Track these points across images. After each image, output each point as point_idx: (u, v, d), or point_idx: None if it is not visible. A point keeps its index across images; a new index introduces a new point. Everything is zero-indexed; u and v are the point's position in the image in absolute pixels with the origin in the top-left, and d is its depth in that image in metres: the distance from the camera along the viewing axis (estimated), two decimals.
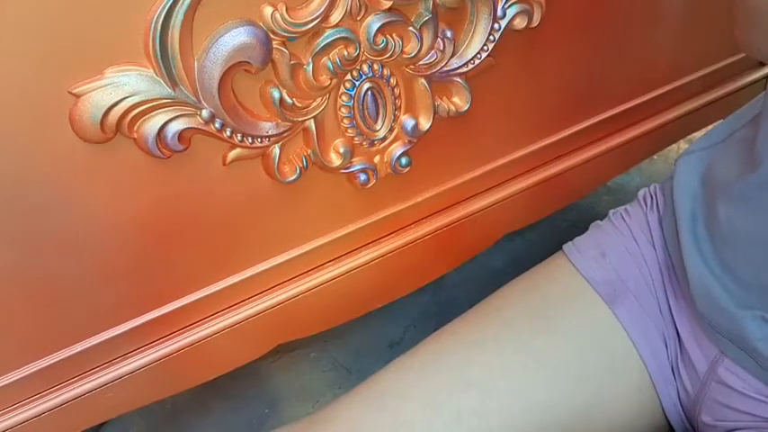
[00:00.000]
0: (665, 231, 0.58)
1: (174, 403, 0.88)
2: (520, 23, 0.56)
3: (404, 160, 0.58)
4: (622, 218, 0.62)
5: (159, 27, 0.41)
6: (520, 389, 0.53)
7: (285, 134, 0.50)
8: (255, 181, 0.52)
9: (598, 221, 0.63)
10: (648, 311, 0.56)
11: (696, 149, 0.57)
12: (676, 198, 0.56)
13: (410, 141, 0.57)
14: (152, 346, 0.56)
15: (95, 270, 0.50)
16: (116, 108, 0.42)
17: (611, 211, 0.63)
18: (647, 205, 0.61)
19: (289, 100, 0.49)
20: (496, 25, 0.55)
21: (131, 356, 0.55)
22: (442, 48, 0.53)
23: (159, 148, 0.45)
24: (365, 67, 0.51)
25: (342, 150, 0.54)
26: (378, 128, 0.55)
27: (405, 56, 0.52)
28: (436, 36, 0.53)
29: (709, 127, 0.62)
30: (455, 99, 0.57)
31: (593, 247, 0.60)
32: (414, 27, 0.51)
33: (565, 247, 0.62)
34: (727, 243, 0.51)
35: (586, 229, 0.63)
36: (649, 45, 0.71)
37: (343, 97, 0.52)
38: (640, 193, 0.63)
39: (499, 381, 0.53)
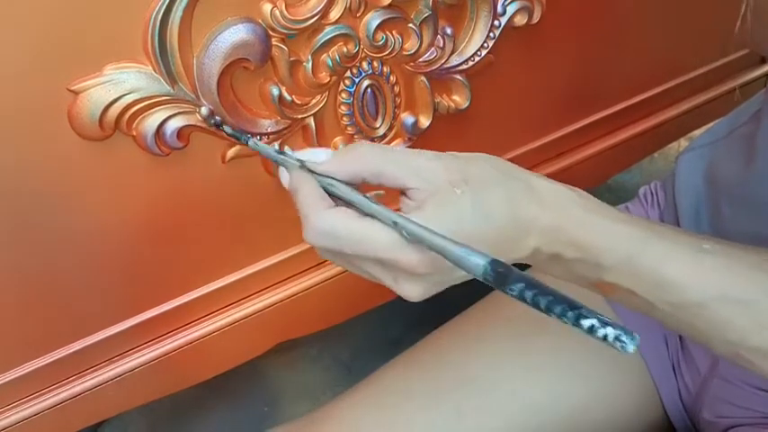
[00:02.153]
0: None
1: (174, 402, 0.88)
2: (520, 20, 0.56)
3: None
4: None
5: (158, 24, 0.41)
6: (520, 387, 0.53)
7: (284, 131, 0.50)
8: (255, 179, 0.52)
9: None
10: None
11: (697, 147, 0.57)
12: (678, 195, 0.56)
13: (410, 139, 0.57)
14: (151, 345, 0.56)
15: (94, 268, 0.50)
16: (115, 105, 0.42)
17: None
18: (647, 202, 0.61)
19: (288, 97, 0.49)
20: (496, 22, 0.54)
21: (130, 355, 0.55)
22: (441, 45, 0.53)
23: (158, 146, 0.45)
24: (365, 65, 0.51)
25: (341, 148, 0.54)
26: (377, 125, 0.55)
27: (404, 53, 0.52)
28: (436, 33, 0.52)
29: (710, 125, 0.62)
30: (455, 96, 0.57)
31: None
32: (413, 24, 0.51)
33: None
34: (732, 240, 0.50)
35: None
36: (650, 42, 0.71)
37: (343, 95, 0.51)
38: (641, 190, 0.63)
39: (499, 379, 0.53)
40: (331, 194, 0.36)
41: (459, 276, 0.35)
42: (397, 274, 0.34)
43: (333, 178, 0.36)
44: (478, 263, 0.29)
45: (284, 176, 0.37)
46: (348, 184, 0.36)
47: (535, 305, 0.27)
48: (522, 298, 0.28)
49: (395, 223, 0.32)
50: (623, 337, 0.25)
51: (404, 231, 0.32)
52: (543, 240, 0.36)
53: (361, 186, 0.37)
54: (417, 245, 0.32)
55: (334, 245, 0.34)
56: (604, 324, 0.26)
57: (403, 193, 0.35)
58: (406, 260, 0.33)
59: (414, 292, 0.35)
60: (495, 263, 0.29)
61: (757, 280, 0.36)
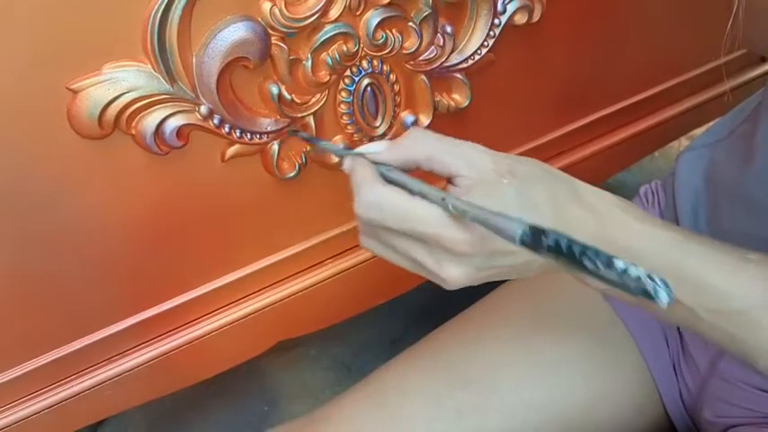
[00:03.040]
0: None
1: (174, 401, 0.88)
2: (520, 19, 0.56)
3: None
4: None
5: (157, 22, 0.41)
6: (520, 386, 0.53)
7: (284, 130, 0.50)
8: (254, 177, 0.52)
9: None
10: None
11: (698, 146, 0.57)
12: (677, 194, 0.56)
13: None
14: (151, 344, 0.56)
15: (93, 267, 0.50)
16: (114, 104, 0.42)
17: None
18: (647, 201, 0.61)
19: (287, 96, 0.48)
20: (497, 21, 0.54)
21: (130, 354, 0.55)
22: (441, 43, 0.53)
23: (157, 145, 0.45)
24: (365, 63, 0.51)
25: (341, 146, 0.54)
26: (377, 124, 0.54)
27: (404, 51, 0.51)
28: (436, 31, 0.52)
29: (710, 124, 0.62)
30: (455, 95, 0.57)
31: None
32: (413, 22, 0.51)
33: None
34: (729, 240, 0.50)
35: None
36: (650, 41, 0.71)
37: (343, 93, 0.51)
38: (642, 189, 0.63)
39: (499, 378, 0.53)
40: (387, 180, 0.38)
41: (499, 264, 0.35)
42: (440, 254, 0.35)
43: (389, 165, 0.38)
44: (516, 228, 0.30)
45: (345, 162, 0.39)
46: (403, 170, 0.38)
47: (570, 255, 0.28)
48: (558, 248, 0.28)
49: (442, 199, 0.34)
50: (657, 281, 0.25)
51: (450, 206, 0.33)
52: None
53: (415, 172, 0.38)
54: (461, 223, 0.34)
55: (379, 217, 0.35)
56: (636, 266, 0.25)
57: (450, 181, 0.36)
58: (449, 236, 0.34)
59: (455, 272, 0.35)
60: (532, 227, 0.30)
61: None
